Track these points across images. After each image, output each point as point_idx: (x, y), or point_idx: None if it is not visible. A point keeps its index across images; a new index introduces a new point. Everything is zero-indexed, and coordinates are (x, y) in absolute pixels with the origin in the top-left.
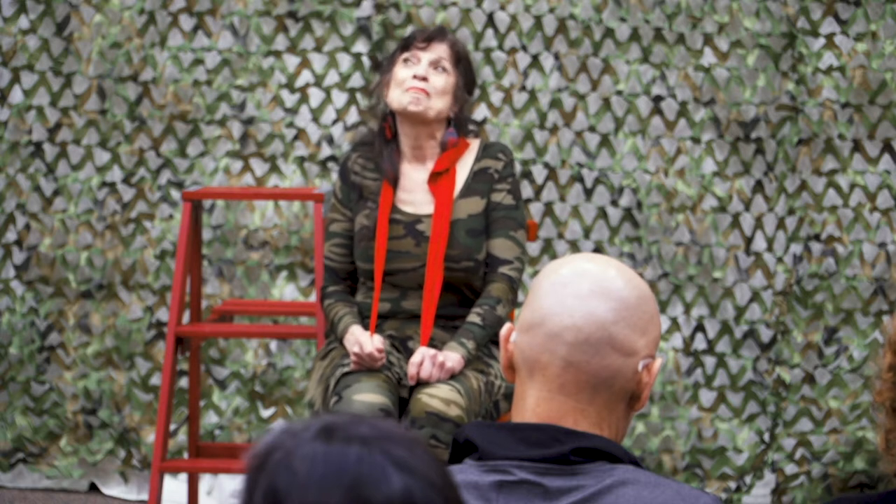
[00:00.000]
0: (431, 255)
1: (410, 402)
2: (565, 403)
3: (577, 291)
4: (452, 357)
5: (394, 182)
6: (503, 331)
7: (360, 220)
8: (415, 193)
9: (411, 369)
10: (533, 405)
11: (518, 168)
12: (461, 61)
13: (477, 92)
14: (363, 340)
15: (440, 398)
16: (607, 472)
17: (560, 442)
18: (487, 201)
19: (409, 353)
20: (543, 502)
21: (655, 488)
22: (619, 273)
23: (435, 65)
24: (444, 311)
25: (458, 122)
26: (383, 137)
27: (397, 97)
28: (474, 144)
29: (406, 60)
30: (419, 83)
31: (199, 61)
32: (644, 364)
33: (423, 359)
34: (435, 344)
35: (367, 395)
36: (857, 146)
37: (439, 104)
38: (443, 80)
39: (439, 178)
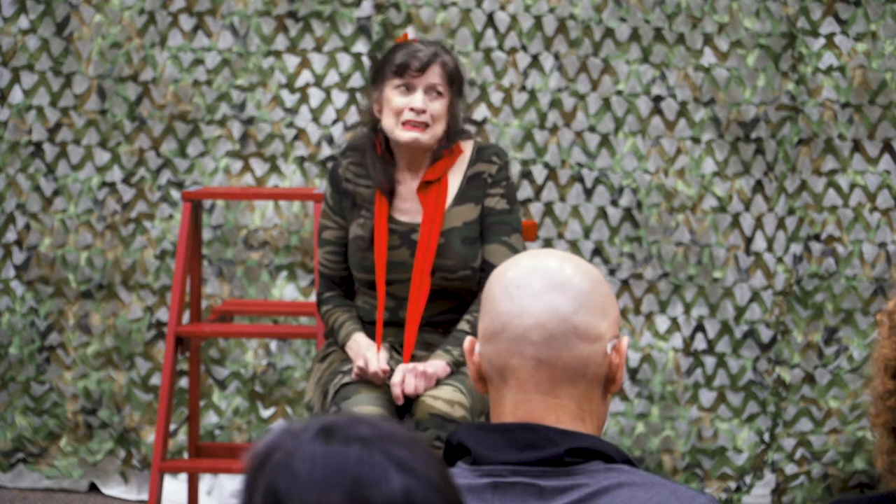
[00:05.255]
0: (417, 268)
1: (414, 405)
2: (544, 402)
3: (531, 290)
4: (435, 364)
5: (388, 194)
6: (465, 345)
7: (355, 229)
8: (409, 202)
9: (395, 390)
10: (512, 409)
11: (515, 170)
12: (454, 82)
13: (476, 92)
14: (370, 357)
15: (444, 399)
16: (602, 473)
17: (553, 443)
18: (482, 207)
19: (412, 361)
20: (539, 502)
21: (651, 489)
22: (567, 262)
23: (430, 91)
24: (441, 319)
25: (451, 134)
26: (374, 151)
27: (393, 128)
28: (468, 148)
29: (399, 87)
30: (417, 117)
31: (199, 61)
32: (612, 345)
33: (403, 376)
34: (433, 351)
35: (367, 408)
36: (857, 146)
37: (438, 130)
38: (439, 105)
39: (430, 187)
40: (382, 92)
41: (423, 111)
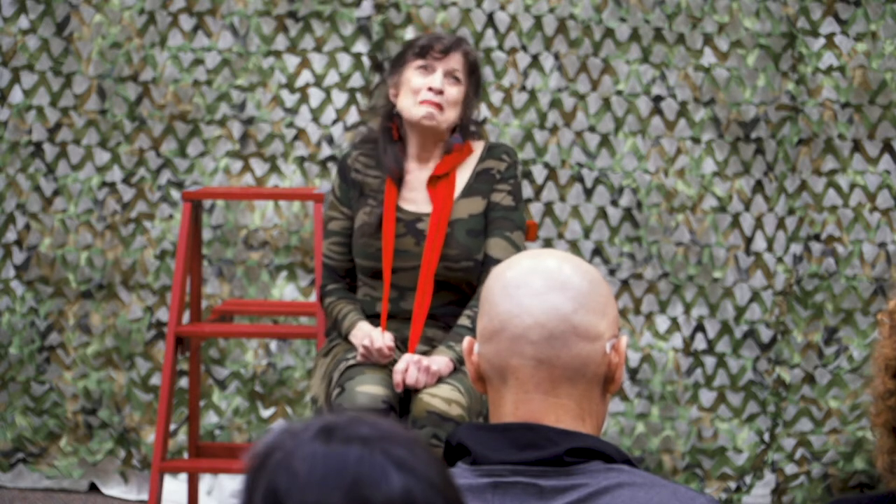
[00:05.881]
0: (425, 260)
1: (412, 402)
2: (544, 402)
3: (530, 290)
4: (439, 360)
5: (398, 181)
6: (465, 345)
7: (361, 217)
8: (416, 192)
9: (396, 377)
10: (512, 409)
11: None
12: (474, 73)
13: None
14: (374, 336)
15: (441, 398)
16: (603, 473)
17: (554, 443)
18: (488, 201)
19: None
20: (539, 502)
21: (651, 489)
22: (566, 262)
23: (450, 75)
24: (442, 311)
25: (463, 128)
26: (389, 137)
27: (410, 107)
28: (478, 146)
29: (420, 68)
30: (435, 97)
31: (199, 61)
32: (611, 345)
33: (407, 365)
34: (433, 344)
35: (370, 388)
36: (857, 146)
37: (451, 115)
38: (456, 91)
39: (439, 181)
40: (402, 75)
41: (441, 91)
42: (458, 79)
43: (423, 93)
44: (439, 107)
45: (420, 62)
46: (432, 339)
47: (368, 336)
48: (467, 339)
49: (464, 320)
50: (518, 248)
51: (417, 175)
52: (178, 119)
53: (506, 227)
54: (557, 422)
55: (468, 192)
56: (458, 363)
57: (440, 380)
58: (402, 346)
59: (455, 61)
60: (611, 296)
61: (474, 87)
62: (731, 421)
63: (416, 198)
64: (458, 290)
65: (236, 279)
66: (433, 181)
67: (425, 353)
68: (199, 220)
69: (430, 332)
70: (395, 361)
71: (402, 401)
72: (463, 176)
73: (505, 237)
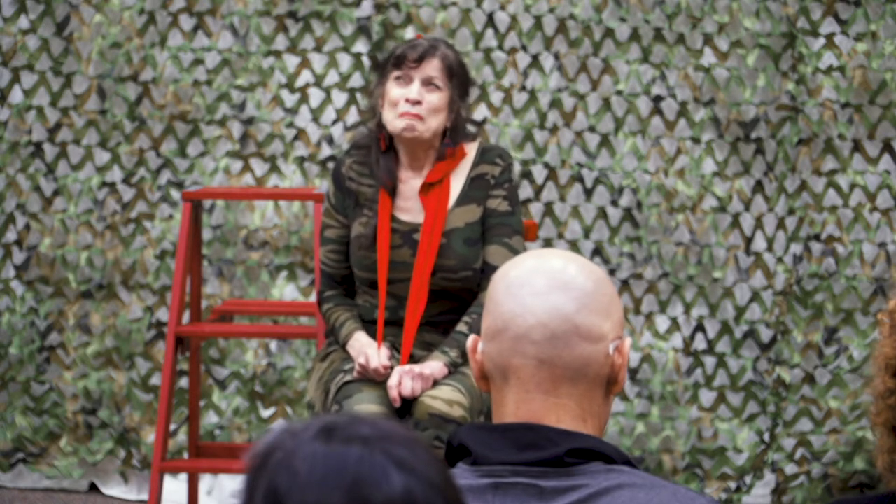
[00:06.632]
0: (417, 269)
1: (414, 405)
2: (545, 402)
3: (534, 290)
4: (432, 365)
5: (391, 192)
6: (469, 343)
7: (357, 227)
8: (411, 201)
9: (392, 392)
10: (513, 409)
11: (517, 170)
12: (455, 76)
13: (476, 92)
14: (370, 354)
15: (443, 399)
16: (603, 474)
17: (554, 443)
18: (484, 208)
19: (411, 361)
20: (539, 502)
21: (651, 490)
22: (571, 262)
23: (427, 83)
24: (441, 319)
25: (454, 132)
26: (380, 146)
27: (391, 120)
28: (472, 149)
29: (398, 79)
30: (412, 108)
31: (199, 61)
32: (614, 346)
33: (400, 378)
34: (432, 350)
35: (368, 406)
36: (857, 146)
37: (434, 123)
38: (436, 98)
39: (431, 188)
40: (384, 86)
41: (419, 102)
42: (438, 86)
43: (401, 105)
44: (419, 117)
45: (397, 73)
46: (431, 343)
47: (364, 354)
48: (472, 337)
49: (462, 326)
50: (518, 253)
51: (412, 183)
52: (178, 119)
53: (504, 233)
54: (558, 422)
55: (463, 199)
56: (452, 367)
57: (438, 382)
58: (399, 352)
59: (432, 68)
60: (616, 297)
61: (458, 89)
62: (731, 421)
63: (411, 207)
64: (458, 297)
65: (236, 279)
66: (425, 189)
67: (423, 359)
68: (199, 220)
69: (429, 337)
70: (390, 373)
71: (403, 405)
72: (457, 183)
73: (504, 244)
